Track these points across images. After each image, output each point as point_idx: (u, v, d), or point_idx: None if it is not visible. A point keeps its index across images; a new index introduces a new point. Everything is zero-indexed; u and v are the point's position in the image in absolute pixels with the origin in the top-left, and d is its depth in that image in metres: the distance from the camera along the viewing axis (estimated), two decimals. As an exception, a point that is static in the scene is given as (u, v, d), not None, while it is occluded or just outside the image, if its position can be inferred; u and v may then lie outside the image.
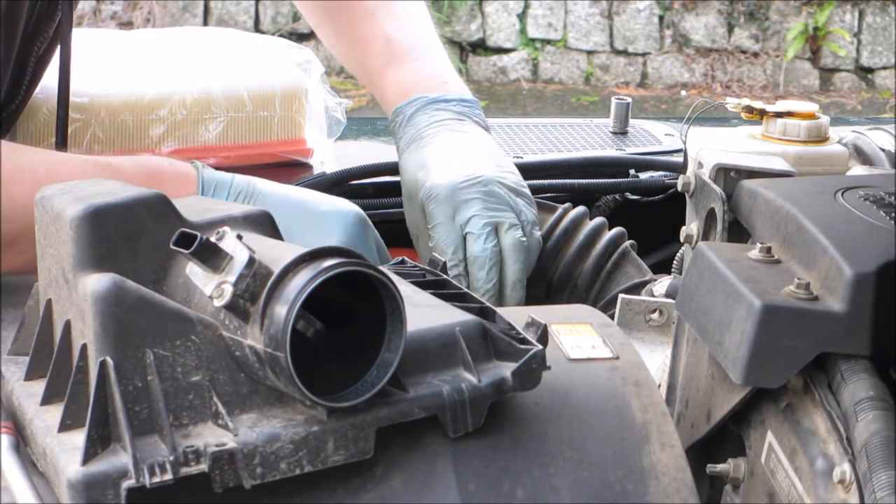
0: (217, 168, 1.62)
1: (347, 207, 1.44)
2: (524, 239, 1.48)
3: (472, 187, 1.48)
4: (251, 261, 0.85)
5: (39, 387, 0.94)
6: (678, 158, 1.81)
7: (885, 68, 7.51)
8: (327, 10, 1.77)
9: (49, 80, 1.53)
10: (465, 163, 1.51)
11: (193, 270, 0.87)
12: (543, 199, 1.65)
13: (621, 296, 1.42)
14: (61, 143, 1.51)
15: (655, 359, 1.33)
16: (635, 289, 1.52)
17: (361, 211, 1.45)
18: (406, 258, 1.11)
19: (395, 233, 1.71)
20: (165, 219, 0.94)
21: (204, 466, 0.84)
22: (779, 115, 1.43)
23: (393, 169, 1.70)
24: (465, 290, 1.03)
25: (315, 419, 0.87)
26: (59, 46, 1.48)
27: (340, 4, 1.74)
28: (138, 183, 1.23)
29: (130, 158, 1.43)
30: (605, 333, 1.06)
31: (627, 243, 1.58)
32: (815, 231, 1.05)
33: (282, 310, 0.84)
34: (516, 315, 0.99)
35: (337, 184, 1.69)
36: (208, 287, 0.86)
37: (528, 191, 1.53)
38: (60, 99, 1.50)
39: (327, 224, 1.41)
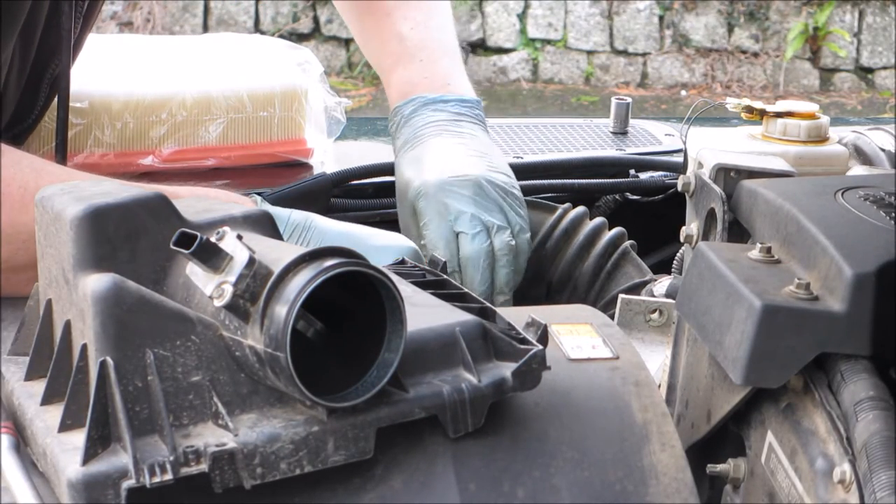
0: (217, 168, 1.63)
1: (403, 243, 1.44)
2: (513, 242, 1.48)
3: (462, 186, 1.48)
4: (251, 261, 0.85)
5: (39, 387, 0.94)
6: (678, 158, 1.82)
7: (885, 68, 7.51)
8: (355, 9, 1.78)
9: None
10: (456, 162, 1.51)
11: (193, 270, 0.87)
12: (543, 199, 1.65)
13: (621, 296, 1.42)
14: (61, 146, 1.51)
15: (655, 359, 1.33)
16: (635, 289, 1.52)
17: (416, 246, 1.44)
18: (406, 258, 1.11)
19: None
20: (165, 219, 0.94)
21: (204, 466, 0.84)
22: (779, 115, 1.43)
23: (393, 169, 1.70)
24: (465, 290, 1.03)
25: (315, 419, 0.87)
26: (60, 49, 1.48)
27: (365, 4, 1.75)
28: None
29: (187, 189, 1.41)
30: (605, 333, 1.06)
31: (627, 243, 1.59)
32: (815, 231, 1.05)
33: (282, 310, 0.84)
34: (516, 315, 0.99)
35: (337, 184, 1.69)
36: (208, 287, 0.86)
37: (519, 192, 1.53)
38: (61, 101, 1.50)
39: (384, 259, 1.41)
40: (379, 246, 1.41)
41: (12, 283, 1.18)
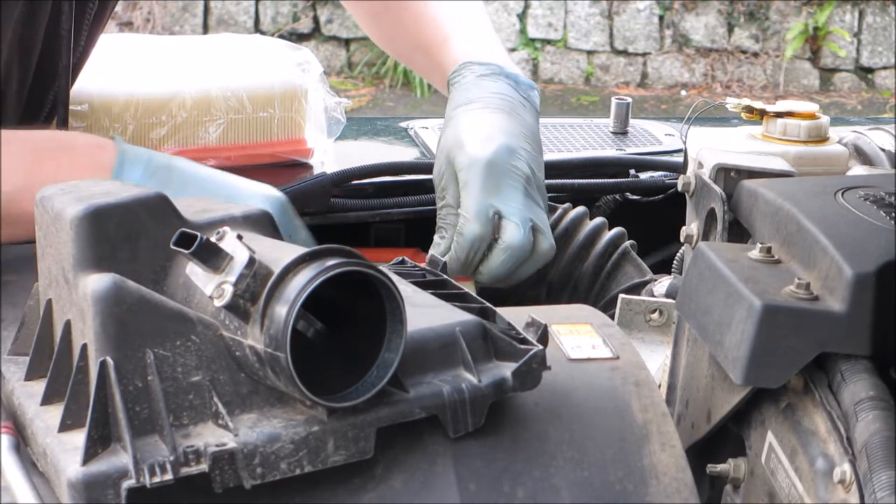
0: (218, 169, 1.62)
1: (271, 193, 1.40)
2: (552, 249, 1.47)
3: (517, 175, 1.46)
4: (251, 261, 0.85)
5: (39, 387, 0.94)
6: (678, 158, 1.81)
7: (885, 68, 7.51)
8: (372, 7, 1.77)
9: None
10: (518, 147, 1.48)
11: (193, 270, 0.87)
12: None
13: (621, 296, 1.42)
14: None
15: (655, 359, 1.33)
16: (635, 289, 1.52)
17: (284, 196, 1.41)
18: (406, 258, 1.11)
19: (396, 233, 1.71)
20: (165, 219, 0.94)
21: (204, 466, 0.84)
22: (779, 115, 1.43)
23: (393, 169, 1.70)
24: (465, 290, 1.03)
25: (315, 419, 0.87)
26: (61, 49, 1.48)
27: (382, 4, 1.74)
28: (49, 149, 1.21)
29: (45, 131, 1.38)
30: (605, 333, 1.06)
31: (627, 243, 1.59)
32: (816, 231, 1.05)
33: (282, 310, 0.84)
34: (516, 315, 0.99)
35: (337, 184, 1.68)
36: (208, 287, 0.86)
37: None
38: (61, 101, 1.50)
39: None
40: (245, 192, 1.39)
41: None
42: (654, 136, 1.95)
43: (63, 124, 1.51)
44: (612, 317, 1.28)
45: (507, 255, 1.44)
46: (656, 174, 1.82)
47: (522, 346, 0.93)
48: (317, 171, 1.73)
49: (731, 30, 7.51)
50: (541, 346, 0.93)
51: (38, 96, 1.50)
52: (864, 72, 7.55)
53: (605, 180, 1.79)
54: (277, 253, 0.87)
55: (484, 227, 1.43)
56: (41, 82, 1.49)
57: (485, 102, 1.53)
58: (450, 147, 1.49)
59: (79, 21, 1.50)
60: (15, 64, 1.43)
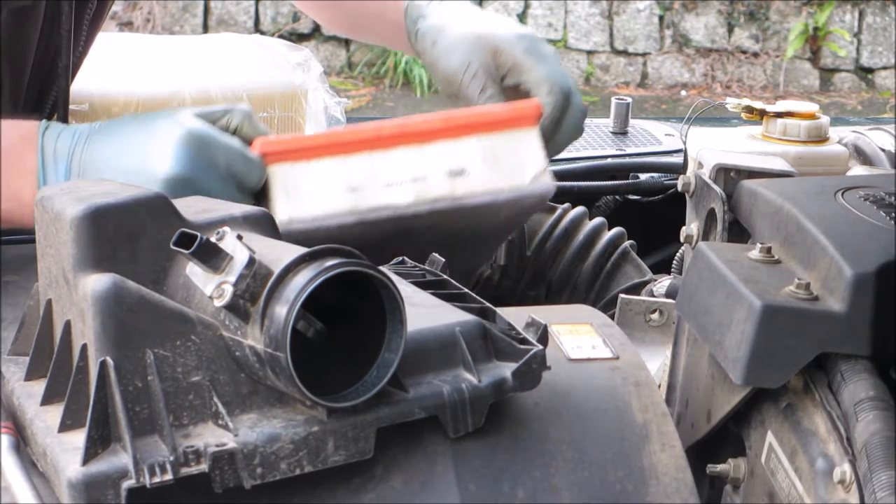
0: None
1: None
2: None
3: (546, 44, 1.44)
4: (251, 261, 0.85)
5: (39, 387, 0.94)
6: (677, 158, 1.82)
7: (885, 68, 7.51)
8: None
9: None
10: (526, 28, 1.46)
11: (193, 270, 0.87)
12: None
13: (621, 296, 1.42)
14: None
15: (655, 359, 1.33)
16: (635, 289, 1.52)
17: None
18: (406, 258, 1.11)
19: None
20: (165, 219, 0.94)
21: (204, 466, 0.84)
22: (779, 115, 1.43)
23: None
24: (465, 290, 1.03)
25: (315, 419, 0.87)
26: (61, 49, 1.48)
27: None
28: None
29: None
30: (605, 333, 1.06)
31: (627, 243, 1.59)
32: (816, 231, 1.05)
33: (282, 310, 0.84)
34: (516, 315, 0.99)
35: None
36: (208, 287, 0.86)
37: None
38: (61, 101, 1.50)
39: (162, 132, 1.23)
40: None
41: None
42: (653, 136, 1.95)
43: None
44: (612, 317, 1.28)
45: (577, 121, 1.41)
46: (655, 175, 1.82)
47: (522, 346, 0.93)
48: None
49: (731, 30, 7.51)
50: (541, 346, 0.93)
51: (39, 96, 1.50)
52: (864, 72, 7.55)
53: (605, 182, 1.79)
54: (277, 253, 0.87)
55: (564, 95, 1.41)
56: (41, 82, 1.49)
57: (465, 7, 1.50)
58: (477, 35, 1.44)
59: (78, 21, 1.50)
60: (5, 69, 1.42)
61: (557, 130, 1.40)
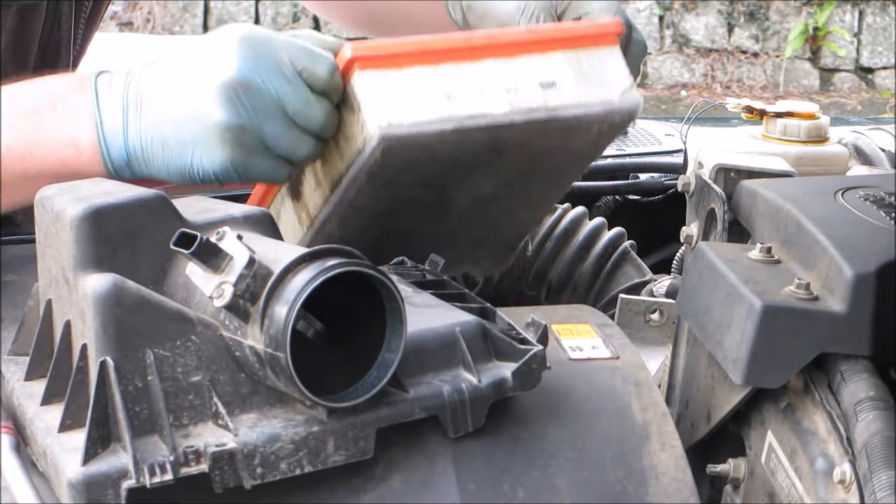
0: None
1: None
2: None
3: None
4: (251, 261, 0.85)
5: (39, 387, 0.94)
6: (677, 159, 1.82)
7: (885, 68, 7.51)
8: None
9: None
10: None
11: (193, 270, 0.87)
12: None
13: (621, 296, 1.42)
14: None
15: (655, 359, 1.33)
16: (635, 289, 1.52)
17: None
18: (406, 258, 1.11)
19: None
20: (165, 219, 0.94)
21: (204, 466, 0.84)
22: (779, 115, 1.43)
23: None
24: (465, 290, 1.03)
25: (315, 419, 0.88)
26: (60, 49, 1.48)
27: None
28: (30, 104, 1.15)
29: (27, 84, 1.23)
30: (605, 334, 1.06)
31: (627, 243, 1.59)
32: (816, 231, 1.05)
33: (282, 310, 0.84)
34: (516, 315, 0.99)
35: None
36: (208, 287, 0.86)
37: None
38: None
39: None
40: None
41: None
42: (653, 136, 1.95)
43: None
44: (612, 317, 1.28)
45: (643, 49, 1.38)
46: (655, 175, 1.82)
47: (522, 347, 0.93)
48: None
49: (731, 30, 7.52)
50: (541, 346, 0.93)
51: None
52: (864, 72, 7.55)
53: (605, 182, 1.79)
54: (277, 253, 0.87)
55: (627, 25, 1.35)
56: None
57: None
58: None
59: (75, 20, 1.50)
60: (11, 69, 1.42)
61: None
